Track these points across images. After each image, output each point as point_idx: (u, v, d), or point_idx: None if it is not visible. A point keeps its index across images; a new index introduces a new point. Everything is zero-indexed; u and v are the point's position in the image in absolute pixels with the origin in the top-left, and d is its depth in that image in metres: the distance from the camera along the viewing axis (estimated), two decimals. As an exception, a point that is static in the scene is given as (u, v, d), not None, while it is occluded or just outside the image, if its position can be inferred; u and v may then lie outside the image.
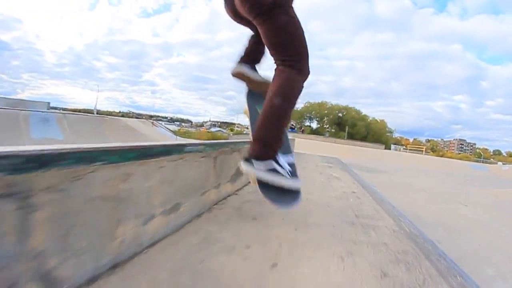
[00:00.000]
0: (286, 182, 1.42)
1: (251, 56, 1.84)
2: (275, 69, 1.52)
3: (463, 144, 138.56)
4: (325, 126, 62.49)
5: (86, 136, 9.15)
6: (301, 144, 12.25)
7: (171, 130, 19.06)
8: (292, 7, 1.49)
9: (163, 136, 15.24)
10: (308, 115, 63.59)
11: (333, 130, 59.53)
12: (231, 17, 1.74)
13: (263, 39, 1.54)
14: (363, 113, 62.00)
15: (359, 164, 11.27)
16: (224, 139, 24.50)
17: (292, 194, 1.44)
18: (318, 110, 62.57)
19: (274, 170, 1.43)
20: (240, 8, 1.52)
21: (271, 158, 1.45)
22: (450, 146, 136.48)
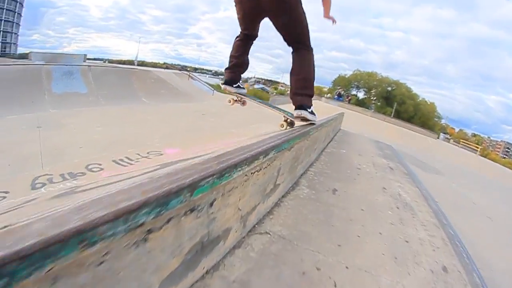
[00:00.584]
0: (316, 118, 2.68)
1: (236, 78, 2.98)
2: (293, 52, 2.43)
3: (509, 149, 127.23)
4: (372, 98, 59.33)
5: (112, 89, 8.70)
6: (349, 119, 10.83)
7: (210, 85, 18.31)
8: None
9: (199, 91, 14.45)
10: (355, 83, 60.53)
11: (379, 104, 56.31)
12: (247, 11, 2.45)
13: (280, 30, 2.39)
14: (413, 92, 57.80)
15: (412, 156, 9.79)
16: (266, 98, 23.47)
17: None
18: (367, 80, 59.21)
19: (312, 112, 2.59)
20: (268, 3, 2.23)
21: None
22: (496, 147, 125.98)
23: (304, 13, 2.28)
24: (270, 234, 1.50)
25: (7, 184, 4.00)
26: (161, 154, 5.07)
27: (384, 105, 54.29)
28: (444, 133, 55.74)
